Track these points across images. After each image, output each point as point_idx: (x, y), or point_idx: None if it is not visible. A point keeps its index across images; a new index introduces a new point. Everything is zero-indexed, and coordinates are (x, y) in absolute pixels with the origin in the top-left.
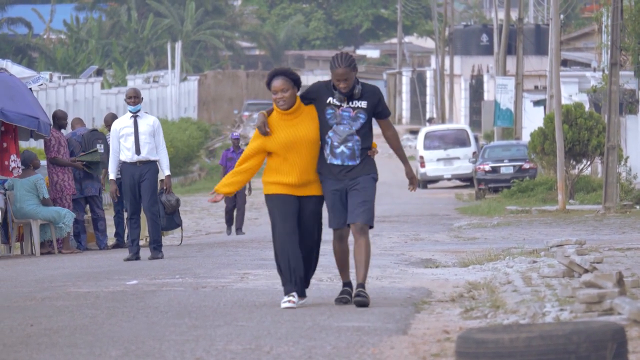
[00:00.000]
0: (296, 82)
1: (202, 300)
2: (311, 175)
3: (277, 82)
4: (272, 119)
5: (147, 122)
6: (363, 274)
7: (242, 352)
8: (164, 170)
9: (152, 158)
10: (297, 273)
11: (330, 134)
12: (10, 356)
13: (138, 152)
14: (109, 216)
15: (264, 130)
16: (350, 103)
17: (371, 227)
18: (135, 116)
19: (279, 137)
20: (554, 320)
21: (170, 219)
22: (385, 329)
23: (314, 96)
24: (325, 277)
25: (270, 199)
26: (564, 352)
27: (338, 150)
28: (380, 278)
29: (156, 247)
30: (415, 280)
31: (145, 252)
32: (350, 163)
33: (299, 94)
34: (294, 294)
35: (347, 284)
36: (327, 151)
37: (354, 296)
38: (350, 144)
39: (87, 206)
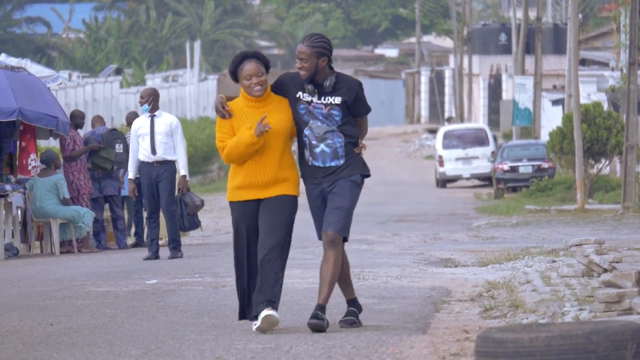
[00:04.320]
0: (267, 66)
1: (222, 299)
2: (279, 174)
3: (251, 66)
4: (237, 106)
5: (164, 122)
6: (326, 294)
7: (262, 351)
8: (180, 171)
9: (169, 158)
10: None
11: (306, 132)
12: (30, 355)
13: (154, 152)
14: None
15: (222, 111)
16: (321, 99)
17: (345, 240)
18: (152, 116)
19: (244, 127)
20: (574, 319)
21: (191, 219)
22: (405, 328)
23: (281, 89)
24: None
25: (232, 208)
26: (583, 351)
27: (318, 150)
28: (399, 277)
29: (175, 246)
30: (434, 279)
31: (164, 252)
32: (332, 164)
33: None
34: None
35: (351, 302)
36: (307, 153)
37: (310, 317)
38: (330, 142)
39: (107, 205)
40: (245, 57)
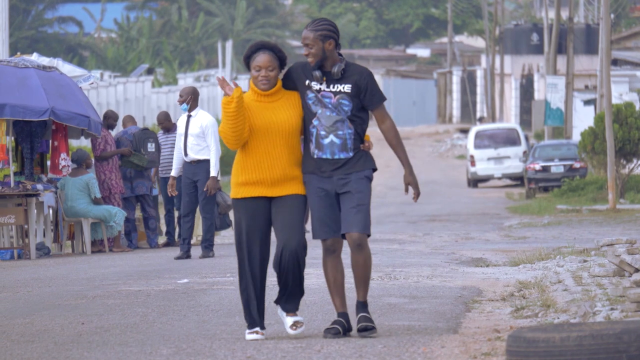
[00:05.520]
0: (282, 62)
1: None
2: (288, 171)
3: (263, 57)
4: (245, 100)
5: (197, 123)
6: (364, 291)
7: (293, 350)
8: (211, 171)
9: (202, 158)
10: (259, 304)
11: (314, 122)
12: (61, 354)
13: (185, 152)
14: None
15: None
16: (330, 86)
17: (368, 235)
18: (189, 115)
19: (251, 122)
20: (605, 319)
21: (222, 219)
22: (436, 327)
23: (291, 80)
24: (376, 276)
25: (237, 205)
26: (614, 351)
27: (326, 141)
28: (430, 277)
29: (207, 245)
30: (465, 279)
31: (196, 251)
32: (342, 156)
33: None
34: (258, 328)
35: (342, 315)
36: (313, 145)
37: (357, 320)
38: (340, 132)
39: (138, 204)
40: (261, 47)
